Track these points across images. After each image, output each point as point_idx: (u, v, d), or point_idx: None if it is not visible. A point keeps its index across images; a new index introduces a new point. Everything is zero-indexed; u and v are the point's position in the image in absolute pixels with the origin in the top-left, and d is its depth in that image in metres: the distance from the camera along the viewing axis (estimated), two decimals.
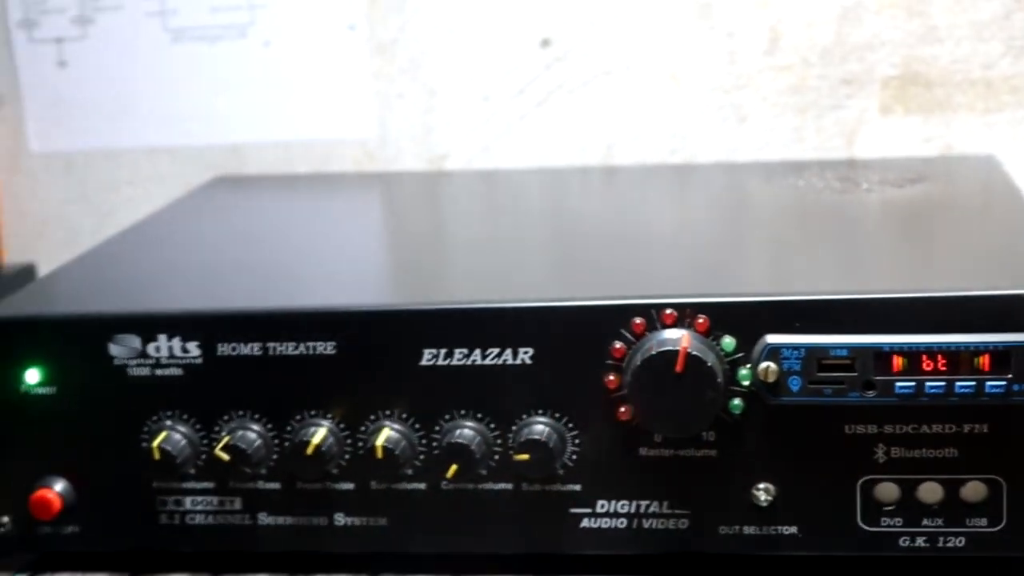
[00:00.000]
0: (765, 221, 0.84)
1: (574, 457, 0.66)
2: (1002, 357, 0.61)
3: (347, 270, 0.78)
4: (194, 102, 1.06)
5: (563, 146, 1.02)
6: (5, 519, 0.71)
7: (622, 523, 0.66)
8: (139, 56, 1.06)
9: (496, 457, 0.66)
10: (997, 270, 0.68)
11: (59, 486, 0.70)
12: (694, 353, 0.62)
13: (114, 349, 0.68)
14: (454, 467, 0.65)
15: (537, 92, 1.01)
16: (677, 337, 0.63)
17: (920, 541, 0.64)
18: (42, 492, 0.69)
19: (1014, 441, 0.63)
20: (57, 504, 0.69)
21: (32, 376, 0.69)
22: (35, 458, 0.70)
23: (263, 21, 1.04)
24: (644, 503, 0.66)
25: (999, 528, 0.63)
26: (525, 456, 0.65)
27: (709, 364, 0.62)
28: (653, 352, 0.62)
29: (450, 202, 0.97)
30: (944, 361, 0.62)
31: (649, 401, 0.63)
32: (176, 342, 0.68)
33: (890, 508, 0.64)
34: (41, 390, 0.69)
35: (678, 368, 0.62)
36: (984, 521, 0.64)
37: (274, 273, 0.76)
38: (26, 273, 1.05)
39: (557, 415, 0.66)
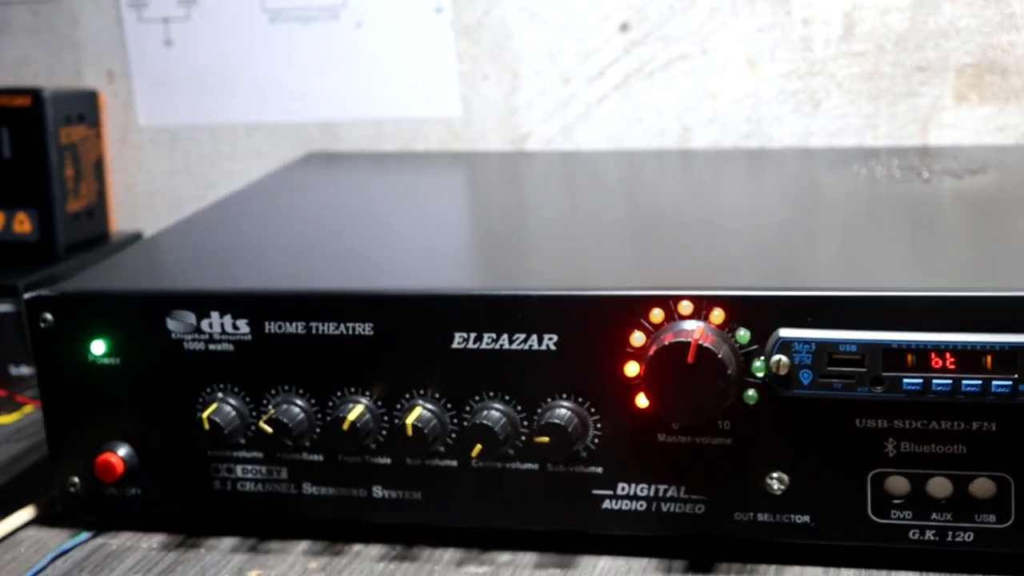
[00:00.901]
0: (813, 211, 0.85)
1: (596, 441, 0.68)
2: (1008, 357, 0.62)
3: (419, 252, 0.80)
4: (290, 80, 1.10)
5: (640, 129, 1.04)
6: (75, 480, 0.76)
7: (642, 506, 0.69)
8: (239, 36, 1.11)
9: (523, 438, 0.69)
10: (1014, 269, 0.68)
11: (122, 451, 0.75)
12: (705, 345, 0.64)
13: (171, 324, 0.73)
14: (478, 447, 0.68)
15: (616, 75, 1.03)
16: (691, 329, 0.65)
17: (929, 534, 0.65)
18: (106, 456, 0.74)
19: (1022, 440, 0.63)
20: (120, 468, 0.74)
21: (98, 347, 0.74)
22: (101, 424, 0.75)
23: (355, 3, 1.08)
24: (663, 487, 0.68)
25: (1007, 525, 0.64)
26: (545, 438, 0.67)
27: (720, 356, 0.64)
28: (666, 343, 0.65)
29: (527, 184, 1.00)
30: (952, 359, 0.63)
31: (662, 390, 0.65)
32: (227, 319, 0.72)
33: (899, 501, 0.65)
34: (106, 361, 0.74)
35: (689, 359, 0.64)
36: (992, 518, 0.64)
37: (341, 252, 0.80)
38: (133, 241, 1.11)
39: (580, 400, 0.68)
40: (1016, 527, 0.64)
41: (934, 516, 0.65)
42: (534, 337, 0.68)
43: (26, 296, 0.75)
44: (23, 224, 1.08)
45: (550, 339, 0.68)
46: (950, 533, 0.65)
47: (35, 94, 1.07)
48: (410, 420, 0.69)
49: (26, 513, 0.78)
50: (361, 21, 1.08)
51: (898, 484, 0.65)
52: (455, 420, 0.70)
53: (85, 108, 1.12)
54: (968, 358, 0.62)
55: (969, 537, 0.65)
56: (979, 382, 0.62)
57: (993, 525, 0.65)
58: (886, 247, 0.74)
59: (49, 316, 0.74)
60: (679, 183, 0.97)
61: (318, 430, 0.72)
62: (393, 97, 1.09)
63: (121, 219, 1.16)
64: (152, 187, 1.16)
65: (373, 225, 0.87)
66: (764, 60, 1.00)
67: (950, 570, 0.66)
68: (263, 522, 0.75)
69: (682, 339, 0.64)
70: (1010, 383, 0.62)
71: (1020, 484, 0.64)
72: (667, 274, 0.71)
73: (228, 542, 0.74)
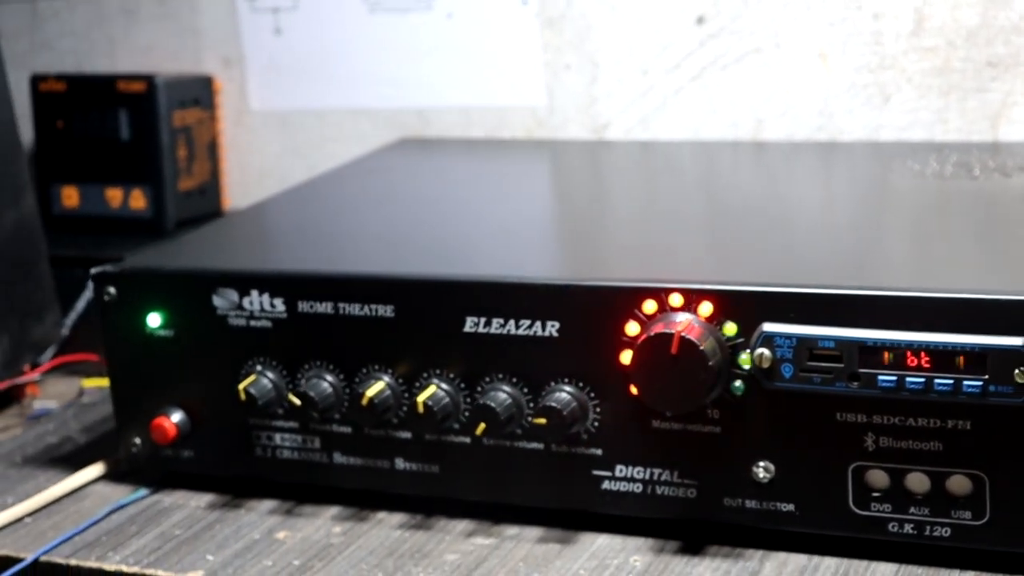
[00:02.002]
0: (836, 207, 0.86)
1: (596, 424, 0.72)
2: (979, 359, 0.63)
3: (487, 238, 0.84)
4: (387, 68, 1.16)
5: (715, 120, 1.06)
6: (136, 441, 0.82)
7: (638, 488, 0.72)
8: (341, 25, 1.16)
9: (528, 419, 0.73)
10: (1001, 273, 0.69)
11: (176, 416, 0.81)
12: (687, 337, 0.66)
13: (217, 301, 0.78)
14: (482, 425, 0.72)
15: (692, 67, 1.05)
16: (679, 321, 0.68)
17: (908, 528, 0.67)
18: (160, 420, 0.80)
19: (996, 439, 0.64)
20: (173, 431, 0.80)
21: (154, 320, 0.80)
22: (158, 391, 0.81)
23: None
24: (657, 471, 0.71)
25: (983, 522, 0.65)
26: (543, 420, 0.71)
27: (702, 348, 0.66)
28: (652, 334, 0.67)
29: (606, 174, 1.03)
30: (927, 358, 0.64)
31: (648, 380, 0.68)
32: (265, 298, 0.77)
33: (879, 494, 0.67)
34: (161, 332, 0.80)
35: (673, 350, 0.67)
36: (968, 514, 0.66)
37: (401, 236, 0.84)
38: None
39: (580, 384, 0.71)
40: (991, 525, 0.65)
41: (912, 510, 0.67)
42: (538, 323, 0.72)
43: (92, 271, 0.81)
44: (138, 201, 1.16)
45: (552, 326, 0.71)
46: (928, 528, 0.67)
47: (149, 80, 1.14)
48: (421, 398, 0.73)
49: (96, 469, 0.85)
50: (452, 12, 1.12)
51: (878, 478, 0.67)
52: (468, 399, 0.74)
53: (200, 92, 1.19)
54: (942, 358, 0.64)
55: (946, 532, 0.66)
56: (951, 382, 0.64)
57: (969, 522, 0.66)
58: (884, 245, 0.75)
59: (112, 290, 0.81)
60: (730, 175, 0.98)
61: (345, 403, 0.77)
62: (481, 85, 1.13)
63: (235, 197, 1.23)
64: (264, 167, 1.22)
65: (441, 209, 0.92)
66: (836, 54, 1.01)
67: (928, 564, 0.67)
68: (300, 488, 0.80)
69: (666, 330, 0.67)
70: (980, 384, 0.63)
71: (995, 483, 0.65)
72: (666, 267, 0.73)
73: (267, 504, 0.80)
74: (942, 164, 0.90)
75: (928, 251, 0.75)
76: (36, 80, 1.20)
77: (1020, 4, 0.96)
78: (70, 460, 0.88)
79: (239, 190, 1.23)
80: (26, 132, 1.26)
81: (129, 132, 1.15)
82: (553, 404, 0.71)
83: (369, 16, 1.15)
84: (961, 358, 0.63)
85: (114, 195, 1.17)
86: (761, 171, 0.98)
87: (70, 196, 1.19)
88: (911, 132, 1.00)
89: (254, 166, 1.23)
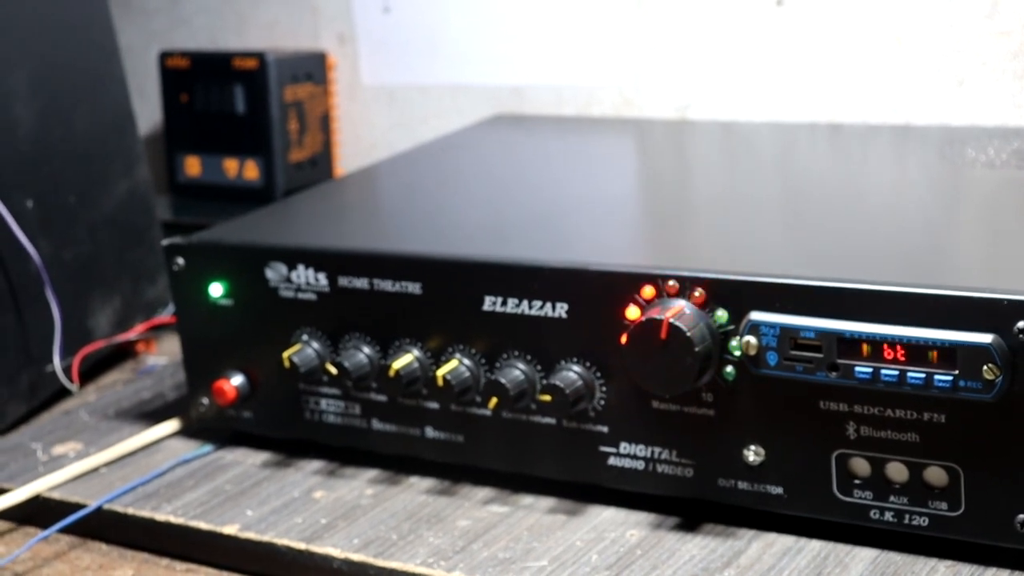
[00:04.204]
0: (877, 195, 0.87)
1: (602, 402, 0.75)
2: (950, 354, 0.64)
3: (534, 219, 0.88)
4: (484, 46, 1.19)
5: (793, 101, 1.07)
6: (204, 401, 0.89)
7: (640, 465, 0.75)
8: (443, 4, 1.21)
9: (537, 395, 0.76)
10: (981, 270, 0.70)
11: (236, 380, 0.86)
12: (675, 323, 0.69)
13: (269, 273, 0.84)
14: (494, 400, 0.76)
15: (771, 49, 1.07)
16: (672, 306, 0.70)
17: (888, 516, 0.68)
18: (221, 382, 0.86)
19: (969, 432, 0.65)
20: (232, 393, 0.86)
21: (216, 290, 0.86)
22: (221, 355, 0.87)
23: None
24: (658, 450, 0.74)
25: (958, 513, 0.67)
26: (548, 397, 0.74)
27: (688, 334, 0.69)
28: (642, 319, 0.70)
29: (689, 154, 1.05)
30: (902, 352, 0.65)
31: (639, 362, 0.71)
32: (311, 272, 0.82)
33: (860, 482, 0.69)
34: (223, 301, 0.86)
35: (662, 335, 0.69)
36: (945, 505, 0.67)
37: (447, 214, 0.89)
38: None
39: (588, 364, 0.75)
40: (967, 516, 0.66)
41: (892, 499, 0.68)
42: (549, 304, 0.75)
43: (163, 243, 0.88)
44: (251, 171, 1.23)
45: (562, 307, 0.75)
46: (907, 516, 0.68)
47: (261, 57, 1.21)
48: (441, 372, 0.77)
49: (172, 425, 0.92)
50: None
51: (860, 466, 0.69)
52: (488, 374, 0.78)
53: (312, 68, 1.25)
54: (915, 352, 0.65)
55: (924, 522, 0.68)
56: (923, 375, 0.65)
57: (946, 512, 0.67)
58: (883, 238, 0.76)
59: (180, 261, 0.87)
60: (782, 160, 1.00)
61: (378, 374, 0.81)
62: (572, 64, 1.16)
63: (348, 167, 1.29)
64: (373, 139, 1.28)
65: (503, 188, 0.96)
66: (911, 37, 1.01)
67: (907, 551, 0.69)
68: (345, 451, 0.85)
69: (656, 316, 0.70)
70: (951, 378, 0.64)
71: (969, 475, 0.66)
72: (667, 253, 0.76)
73: (314, 465, 0.85)
74: (999, 152, 0.90)
75: (924, 243, 0.75)
76: (164, 57, 1.27)
77: None
78: (155, 416, 0.95)
79: (352, 161, 1.29)
80: (157, 105, 1.34)
81: (244, 106, 1.22)
82: (557, 382, 0.74)
83: None
84: (934, 353, 0.65)
85: (231, 165, 1.24)
86: (823, 155, 0.99)
87: (192, 165, 1.27)
88: (984, 117, 0.99)
89: (365, 138, 1.28)
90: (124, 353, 1.10)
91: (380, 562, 0.73)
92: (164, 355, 1.10)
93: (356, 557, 0.74)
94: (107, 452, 0.88)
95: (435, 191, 0.96)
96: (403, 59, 1.24)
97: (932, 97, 1.01)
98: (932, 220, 0.81)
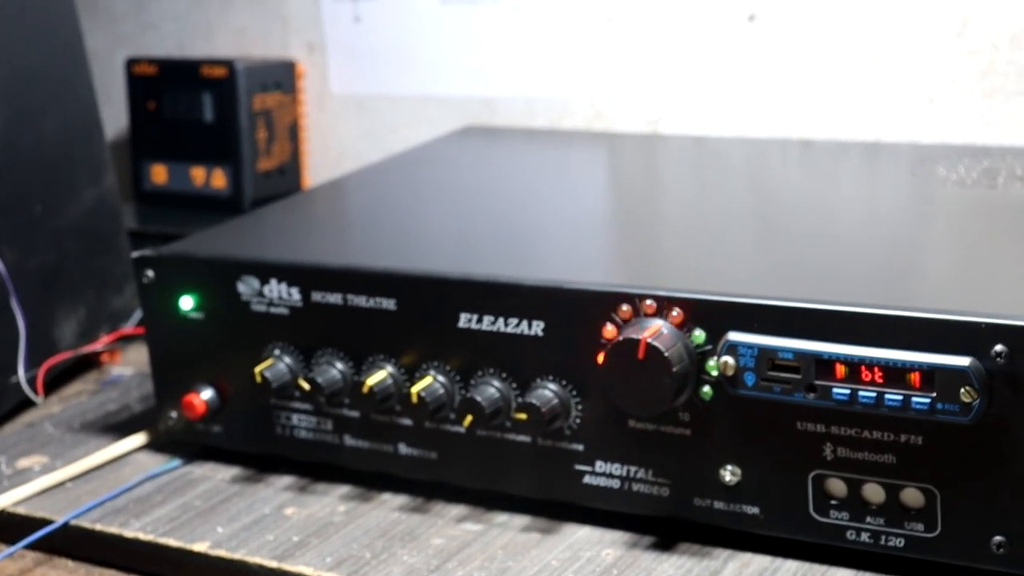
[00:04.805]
0: (851, 214, 0.87)
1: (578, 420, 0.75)
2: (928, 376, 0.64)
3: (504, 235, 0.88)
4: (456, 57, 1.19)
5: (764, 116, 1.07)
6: (172, 415, 0.88)
7: (616, 483, 0.74)
8: (415, 15, 1.20)
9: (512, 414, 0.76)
10: (959, 292, 0.70)
11: (206, 394, 0.86)
12: (653, 343, 0.69)
13: (241, 287, 0.83)
14: (469, 417, 0.75)
15: (743, 64, 1.07)
16: (650, 326, 0.70)
17: (864, 536, 0.68)
18: (190, 396, 0.85)
19: (946, 454, 0.65)
20: (202, 407, 0.85)
21: (186, 303, 0.85)
22: (191, 369, 0.86)
23: None
24: (634, 469, 0.74)
25: (935, 535, 0.67)
26: (523, 415, 0.74)
27: (666, 354, 0.69)
28: (619, 339, 0.70)
29: (633, 172, 1.05)
30: (880, 374, 0.65)
31: (617, 382, 0.71)
32: (284, 287, 0.82)
33: (837, 503, 0.69)
34: (193, 315, 0.85)
35: (640, 355, 0.69)
36: (921, 526, 0.67)
37: (418, 229, 0.88)
38: None
39: (564, 382, 0.74)
40: (943, 538, 0.67)
41: (869, 520, 0.68)
42: (525, 322, 0.75)
43: (133, 255, 0.87)
44: (219, 179, 1.22)
45: (538, 325, 0.74)
46: (883, 537, 0.68)
47: (230, 65, 1.20)
48: (415, 389, 0.77)
49: (139, 439, 0.91)
50: (518, 5, 1.15)
51: (836, 486, 0.69)
52: (463, 391, 0.77)
53: (281, 76, 1.24)
54: (893, 374, 0.65)
55: (900, 543, 0.68)
56: (901, 397, 0.65)
57: (922, 534, 0.67)
58: (860, 258, 0.76)
59: (150, 273, 0.86)
60: (752, 177, 1.00)
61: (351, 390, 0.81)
62: (544, 77, 1.15)
63: (316, 177, 1.28)
64: (342, 149, 1.27)
65: (475, 202, 0.95)
66: (882, 54, 1.01)
67: (883, 571, 0.69)
68: (317, 466, 0.85)
69: (634, 336, 0.70)
70: (928, 401, 0.64)
71: (945, 497, 0.66)
72: (644, 272, 0.76)
73: (285, 480, 0.84)
74: (969, 170, 0.90)
75: (900, 265, 0.76)
76: (131, 63, 1.26)
77: None
78: (121, 428, 0.94)
79: (320, 170, 1.28)
80: (123, 111, 1.33)
81: (212, 114, 1.21)
82: (533, 401, 0.74)
83: (441, 7, 1.19)
84: (911, 375, 0.65)
85: (198, 174, 1.23)
86: (794, 173, 0.99)
87: (159, 173, 1.26)
88: (953, 134, 1.00)
89: (334, 147, 1.28)
90: (88, 363, 1.09)
91: None
92: (129, 365, 1.08)
93: None
94: (73, 466, 0.87)
95: (407, 204, 0.95)
96: (373, 69, 1.24)
97: (902, 114, 1.02)
98: (907, 240, 0.81)
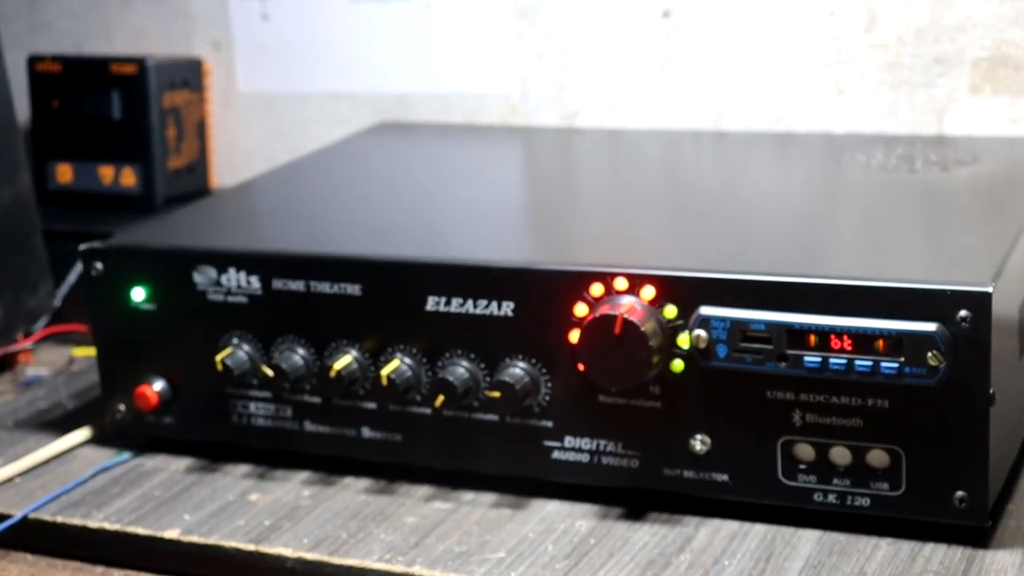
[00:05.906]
0: (777, 198, 0.91)
1: (547, 398, 0.77)
2: (896, 342, 0.68)
3: (453, 221, 0.90)
4: (368, 55, 1.20)
5: (679, 109, 1.11)
6: (121, 408, 0.88)
7: (585, 458, 0.77)
8: (325, 12, 1.21)
9: (484, 392, 0.78)
10: (920, 263, 0.74)
11: (158, 385, 0.86)
12: (630, 319, 0.72)
13: (196, 277, 0.83)
14: (441, 397, 0.77)
15: (658, 58, 1.10)
16: (623, 303, 0.73)
17: (831, 498, 0.72)
18: (143, 388, 0.85)
19: (911, 416, 0.69)
20: (154, 399, 0.85)
21: (138, 294, 0.85)
22: (141, 361, 0.86)
23: None
24: (603, 442, 0.76)
25: (899, 493, 0.71)
26: (497, 393, 0.76)
27: (643, 329, 0.71)
28: (596, 316, 0.72)
29: (570, 161, 1.08)
30: (849, 341, 0.69)
31: (593, 357, 0.73)
32: (242, 275, 0.82)
33: (805, 466, 0.72)
34: (145, 306, 0.85)
35: (616, 331, 0.72)
36: (886, 486, 0.71)
37: (367, 217, 0.89)
38: None
39: (533, 361, 0.77)
40: (907, 495, 0.71)
41: (835, 482, 0.72)
42: (494, 303, 0.77)
43: (81, 247, 0.86)
44: (129, 178, 1.21)
45: (508, 306, 0.76)
46: (849, 498, 0.72)
47: (141, 63, 1.19)
48: (385, 372, 0.78)
49: (83, 433, 0.90)
50: (432, 2, 1.17)
51: (804, 451, 0.72)
52: (429, 373, 0.79)
53: (189, 75, 1.24)
54: (862, 341, 0.69)
55: (866, 502, 0.72)
56: (870, 363, 0.69)
57: (887, 492, 0.71)
58: (819, 234, 0.81)
59: (99, 265, 0.86)
60: (688, 164, 1.04)
61: (315, 375, 0.82)
62: (458, 73, 1.18)
63: (224, 176, 1.28)
64: (250, 147, 1.27)
65: (412, 192, 0.97)
66: (794, 49, 1.06)
67: (849, 531, 0.72)
68: (273, 454, 0.85)
69: (611, 312, 0.72)
70: (896, 365, 0.68)
71: (910, 456, 0.70)
72: (613, 252, 0.78)
73: (242, 469, 0.85)
74: (887, 157, 0.95)
75: (858, 240, 0.80)
76: (33, 61, 1.24)
77: (964, 3, 1.00)
78: (59, 425, 0.93)
79: (227, 169, 1.28)
80: (23, 111, 1.30)
81: (121, 112, 1.20)
82: (506, 379, 0.76)
83: (351, 4, 1.20)
84: (880, 342, 0.69)
85: (106, 172, 1.22)
86: (718, 161, 1.03)
87: (64, 173, 1.24)
88: (863, 124, 1.05)
89: (241, 146, 1.28)
90: (2, 364, 1.07)
91: (336, 560, 0.74)
92: (44, 366, 1.07)
93: (310, 556, 0.74)
94: (20, 462, 0.87)
95: (352, 195, 0.96)
96: (282, 67, 1.24)
97: (814, 106, 1.06)
98: (861, 217, 0.85)
